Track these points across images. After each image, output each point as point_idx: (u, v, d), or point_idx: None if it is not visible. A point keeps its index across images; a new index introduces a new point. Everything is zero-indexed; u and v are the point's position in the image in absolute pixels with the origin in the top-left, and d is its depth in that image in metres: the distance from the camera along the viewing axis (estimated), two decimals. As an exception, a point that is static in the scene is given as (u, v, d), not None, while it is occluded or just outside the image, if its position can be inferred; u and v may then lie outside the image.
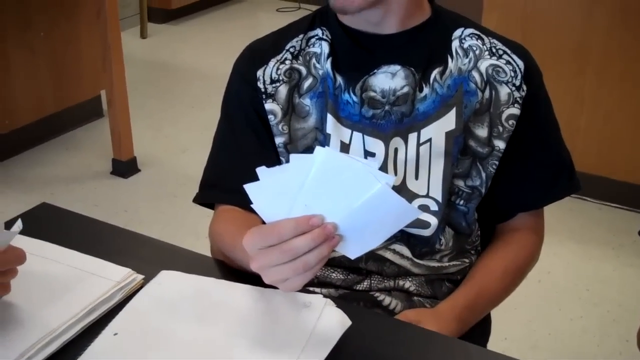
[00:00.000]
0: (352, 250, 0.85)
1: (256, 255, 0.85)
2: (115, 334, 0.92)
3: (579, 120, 2.93)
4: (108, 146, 3.23)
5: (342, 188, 0.80)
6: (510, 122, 1.13)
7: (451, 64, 1.13)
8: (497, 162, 1.14)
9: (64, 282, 1.01)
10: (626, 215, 2.84)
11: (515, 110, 1.13)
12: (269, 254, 0.83)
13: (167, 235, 2.70)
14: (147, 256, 1.12)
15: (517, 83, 1.13)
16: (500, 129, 1.13)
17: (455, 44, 1.15)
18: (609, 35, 2.76)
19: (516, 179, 1.18)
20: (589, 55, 2.83)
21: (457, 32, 1.16)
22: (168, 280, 1.03)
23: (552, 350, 2.22)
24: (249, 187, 0.84)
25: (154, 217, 2.91)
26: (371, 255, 1.14)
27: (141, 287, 1.02)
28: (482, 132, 1.13)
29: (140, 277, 1.04)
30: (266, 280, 0.86)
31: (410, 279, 1.16)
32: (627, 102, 2.82)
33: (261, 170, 0.83)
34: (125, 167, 3.19)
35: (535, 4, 2.84)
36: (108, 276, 1.02)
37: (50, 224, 1.22)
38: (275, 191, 0.83)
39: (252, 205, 0.85)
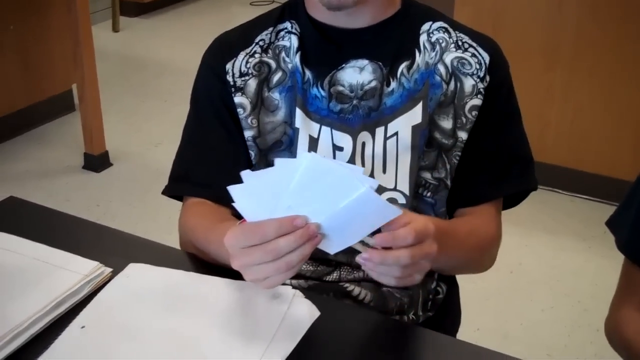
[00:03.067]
0: (333, 246, 0.86)
1: (238, 254, 0.85)
2: (83, 327, 0.92)
3: (550, 114, 2.96)
4: (80, 140, 3.21)
5: (326, 191, 0.80)
6: (473, 112, 1.13)
7: (419, 58, 1.14)
8: (460, 154, 1.15)
9: (31, 275, 1.01)
10: (597, 207, 2.88)
11: (477, 101, 1.13)
12: (251, 253, 0.83)
13: (140, 229, 2.69)
14: (115, 249, 1.12)
15: (481, 75, 1.13)
16: (464, 119, 1.13)
17: (423, 37, 1.15)
18: (579, 30, 2.79)
19: (471, 169, 1.17)
20: (559, 50, 2.85)
21: (426, 26, 1.16)
22: (136, 272, 1.03)
23: (523, 340, 2.25)
24: (232, 189, 0.83)
25: (126, 211, 2.89)
26: (340, 247, 1.14)
27: (109, 280, 1.02)
28: (446, 123, 1.14)
29: (109, 270, 1.03)
30: (247, 278, 0.87)
31: (379, 269, 1.16)
32: (597, 96, 2.85)
33: (245, 174, 0.83)
34: (97, 162, 3.17)
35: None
36: (76, 269, 1.02)
37: (18, 217, 1.21)
38: (258, 193, 0.83)
39: (234, 205, 0.84)
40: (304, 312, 0.94)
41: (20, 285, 0.99)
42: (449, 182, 1.16)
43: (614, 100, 2.83)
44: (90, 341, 0.90)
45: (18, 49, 3.33)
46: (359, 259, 0.84)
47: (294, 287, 0.98)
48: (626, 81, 2.78)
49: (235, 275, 0.98)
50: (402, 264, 0.84)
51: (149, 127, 3.59)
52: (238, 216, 1.11)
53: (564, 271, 2.58)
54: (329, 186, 0.80)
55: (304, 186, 0.80)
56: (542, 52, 2.88)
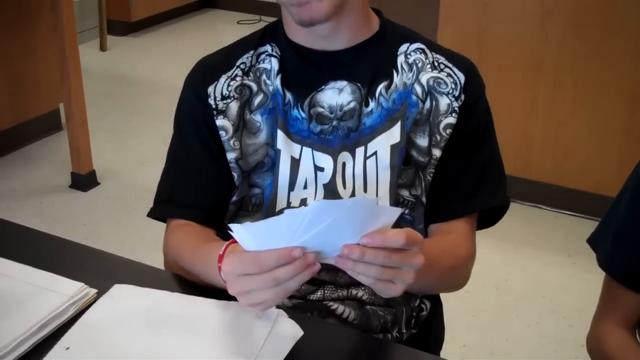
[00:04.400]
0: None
1: (235, 281, 0.87)
2: (67, 349, 0.92)
3: (534, 130, 2.98)
4: (67, 160, 3.20)
5: (329, 229, 0.81)
6: (447, 130, 1.15)
7: (396, 79, 1.16)
8: (433, 170, 1.16)
9: (16, 297, 1.01)
10: (582, 223, 2.90)
11: (452, 120, 1.15)
12: (249, 281, 0.85)
13: (127, 249, 2.69)
14: (100, 270, 1.12)
15: (457, 94, 1.15)
16: (438, 137, 1.15)
17: (400, 59, 1.17)
18: (562, 46, 2.82)
19: (443, 186, 1.18)
20: (542, 66, 2.88)
21: (403, 47, 1.18)
22: (121, 294, 1.03)
23: (509, 356, 2.26)
24: (234, 227, 0.84)
25: (113, 230, 2.89)
26: (324, 266, 1.15)
27: (94, 302, 1.02)
28: (422, 141, 1.15)
29: (94, 291, 1.04)
30: (242, 303, 0.88)
31: (363, 288, 1.17)
32: (581, 112, 2.88)
33: (244, 227, 0.83)
34: (84, 181, 3.17)
35: (489, 17, 2.89)
36: (61, 291, 1.02)
37: (2, 238, 1.21)
38: (261, 237, 0.84)
39: (233, 235, 0.85)
40: (288, 332, 0.95)
41: (4, 307, 0.99)
42: (424, 199, 1.17)
43: (598, 116, 2.85)
44: (74, 362, 0.90)
45: (4, 68, 3.33)
46: (339, 259, 0.84)
47: (278, 307, 0.99)
48: (610, 97, 2.80)
49: (220, 296, 1.00)
50: (380, 263, 0.83)
51: (136, 146, 3.59)
52: (224, 237, 1.12)
53: (549, 287, 2.60)
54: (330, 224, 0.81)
55: (310, 231, 0.82)
56: (526, 69, 2.91)
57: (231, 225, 0.84)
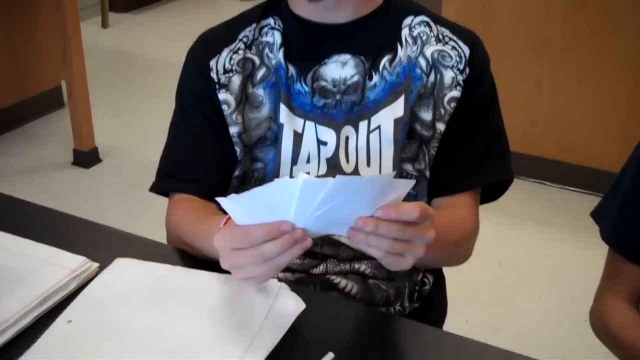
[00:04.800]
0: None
1: (227, 255, 0.87)
2: (69, 322, 0.92)
3: (538, 107, 2.97)
4: (69, 137, 3.20)
5: (310, 203, 0.80)
6: (452, 104, 1.14)
7: (401, 52, 1.14)
8: (437, 145, 1.15)
9: (17, 271, 1.01)
10: (585, 199, 2.89)
11: (456, 93, 1.14)
12: (240, 255, 0.85)
13: (130, 225, 2.66)
14: (102, 244, 1.12)
15: (461, 67, 1.14)
16: (442, 111, 1.14)
17: (405, 32, 1.16)
18: (566, 22, 2.80)
19: (446, 160, 1.17)
20: (547, 43, 2.86)
21: (407, 20, 1.16)
22: (123, 267, 1.03)
23: (512, 331, 2.26)
24: (222, 201, 0.83)
25: (116, 207, 2.89)
26: (326, 240, 1.15)
27: (96, 275, 1.02)
28: (426, 115, 1.14)
29: (95, 265, 1.04)
30: (237, 277, 0.88)
31: (365, 262, 1.17)
32: (585, 89, 2.86)
33: (230, 200, 0.82)
34: (86, 158, 3.17)
35: (493, -8, 2.87)
36: (62, 264, 1.02)
37: (4, 213, 1.21)
38: (251, 208, 0.83)
39: (222, 204, 0.84)
40: (290, 305, 0.94)
41: (6, 281, 0.99)
42: (427, 174, 1.16)
43: (602, 92, 2.84)
44: (76, 336, 0.90)
45: (6, 45, 3.32)
46: (351, 231, 0.83)
47: (281, 280, 0.99)
48: (614, 73, 2.79)
49: (222, 269, 0.99)
50: (393, 236, 0.82)
51: (138, 123, 3.59)
52: (226, 212, 1.12)
53: (553, 263, 2.60)
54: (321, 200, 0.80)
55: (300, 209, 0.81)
56: (530, 45, 2.89)
57: (219, 199, 0.83)
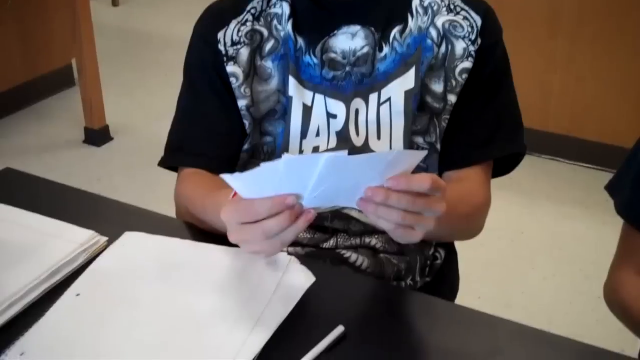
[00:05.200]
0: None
1: (234, 229, 0.86)
2: (78, 295, 0.92)
3: (552, 82, 2.94)
4: (80, 115, 3.20)
5: (313, 178, 0.79)
6: (463, 75, 1.12)
7: (411, 23, 1.12)
8: (448, 117, 1.14)
9: (26, 245, 1.01)
10: (599, 175, 2.87)
11: (468, 64, 1.12)
12: (245, 230, 0.84)
13: (142, 202, 2.65)
14: (111, 218, 1.12)
15: (473, 37, 1.11)
16: (454, 82, 1.12)
17: (415, 2, 1.13)
18: (581, -4, 2.77)
19: (458, 132, 1.15)
20: (561, 18, 2.83)
21: None
22: (132, 241, 1.03)
23: (525, 308, 2.25)
24: (226, 177, 0.82)
25: (127, 185, 2.89)
26: (337, 214, 1.14)
27: (105, 249, 1.02)
28: (437, 87, 1.12)
29: (104, 239, 1.03)
30: (244, 250, 0.87)
31: (376, 236, 1.16)
32: (599, 64, 2.83)
33: (234, 177, 0.81)
34: (97, 136, 3.17)
35: (508, -35, 2.83)
36: (71, 238, 1.02)
37: (14, 188, 1.21)
38: (255, 183, 0.82)
39: (227, 181, 0.83)
40: (299, 278, 0.94)
41: (15, 255, 0.99)
42: (438, 146, 1.15)
43: (616, 67, 2.81)
44: (85, 308, 0.90)
45: (17, 24, 3.32)
46: (361, 202, 0.81)
47: (290, 254, 0.98)
48: (628, 48, 2.76)
49: (230, 243, 0.98)
50: (403, 207, 0.81)
51: (149, 101, 3.58)
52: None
53: (566, 239, 2.58)
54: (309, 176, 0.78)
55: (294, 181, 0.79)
56: (545, 20, 2.85)
57: (223, 176, 0.82)
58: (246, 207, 0.83)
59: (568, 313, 2.24)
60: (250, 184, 0.82)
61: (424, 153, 0.83)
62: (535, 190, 2.82)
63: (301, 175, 0.79)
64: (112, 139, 3.22)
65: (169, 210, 1.23)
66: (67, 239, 1.02)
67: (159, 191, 2.74)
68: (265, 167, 0.79)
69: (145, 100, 3.59)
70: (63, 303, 0.91)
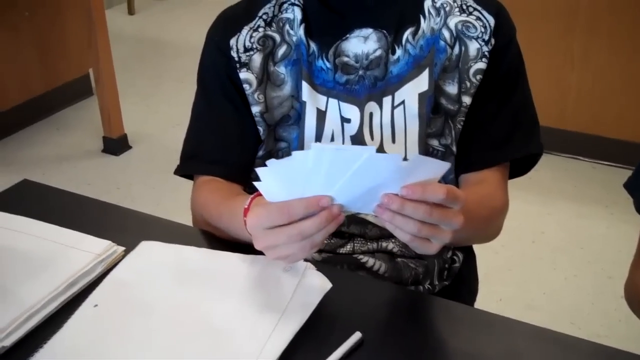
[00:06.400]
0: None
1: (262, 235, 0.85)
2: (96, 306, 0.92)
3: (570, 79, 2.91)
4: (98, 124, 3.22)
5: (343, 174, 0.79)
6: (477, 76, 1.11)
7: (424, 24, 1.12)
8: (464, 119, 1.13)
9: (44, 256, 1.01)
10: (619, 173, 2.84)
11: (482, 65, 1.11)
12: (277, 234, 0.83)
13: (161, 210, 2.68)
14: (127, 228, 1.12)
15: (486, 38, 1.11)
16: (468, 84, 1.11)
17: (427, 3, 1.13)
18: (597, -8, 2.74)
19: (474, 134, 1.14)
20: (577, 14, 2.80)
21: None
22: (148, 250, 1.03)
23: (547, 309, 2.23)
24: (260, 170, 0.82)
25: (146, 193, 2.91)
26: (353, 219, 1.13)
27: (122, 259, 1.02)
28: (452, 88, 1.12)
29: (121, 248, 1.03)
30: (270, 257, 0.87)
31: (393, 241, 1.15)
32: (617, 59, 2.80)
33: (271, 162, 0.81)
34: (116, 145, 3.19)
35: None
36: (88, 249, 1.02)
37: (31, 200, 1.22)
38: (286, 178, 0.82)
39: (256, 184, 0.83)
40: (316, 284, 0.93)
41: (33, 267, 0.99)
42: (454, 148, 1.14)
43: (634, 63, 2.78)
44: (103, 319, 0.90)
45: (34, 35, 3.35)
46: (378, 209, 0.81)
47: (307, 260, 0.98)
48: (646, 43, 2.73)
49: (247, 250, 0.98)
50: (420, 218, 0.80)
51: (166, 109, 3.59)
52: (251, 193, 1.11)
53: (587, 238, 2.56)
54: (344, 169, 0.78)
55: (325, 176, 0.79)
56: (561, 16, 2.83)
57: (257, 169, 0.81)
58: (280, 209, 0.82)
59: (590, 313, 2.22)
60: (281, 177, 0.81)
61: (448, 165, 0.82)
62: (555, 189, 2.80)
63: (335, 167, 0.78)
64: (130, 147, 3.23)
65: (189, 218, 1.23)
66: (85, 250, 1.02)
67: (179, 199, 2.74)
68: (296, 154, 0.78)
69: (162, 108, 3.61)
70: (81, 314, 0.91)
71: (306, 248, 0.84)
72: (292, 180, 0.81)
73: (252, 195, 0.95)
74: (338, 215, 0.81)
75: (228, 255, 1.01)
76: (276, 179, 0.82)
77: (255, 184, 0.83)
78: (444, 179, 1.14)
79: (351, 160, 0.77)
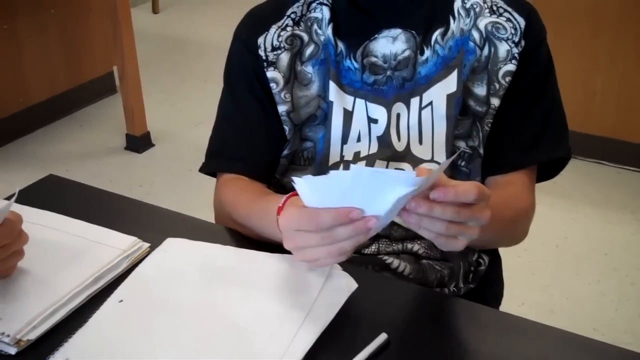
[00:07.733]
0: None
1: (292, 236, 0.85)
2: (121, 301, 0.92)
3: (595, 83, 2.89)
4: (121, 122, 3.24)
5: (378, 194, 0.79)
6: (507, 78, 1.10)
7: (453, 25, 1.11)
8: (492, 121, 1.12)
9: (70, 251, 1.02)
10: (644, 179, 2.82)
11: (511, 67, 1.10)
12: (307, 237, 0.83)
13: (183, 208, 2.68)
14: (153, 224, 1.12)
15: (516, 39, 1.10)
16: (497, 85, 1.10)
17: (457, 3, 1.12)
18: (625, -5, 2.71)
19: (502, 136, 1.13)
20: (604, 17, 2.78)
21: None
22: (174, 247, 1.03)
23: (570, 314, 2.21)
24: (298, 180, 0.82)
25: (169, 191, 2.92)
26: (378, 219, 1.13)
27: (147, 255, 1.02)
28: (480, 90, 1.11)
29: (146, 245, 1.03)
30: (297, 259, 0.87)
31: (418, 242, 1.14)
32: (644, 63, 2.77)
33: (305, 180, 0.81)
34: (139, 142, 3.20)
35: (549, -36, 2.79)
36: (114, 245, 1.02)
37: (57, 195, 1.22)
38: (322, 190, 0.82)
39: (296, 187, 0.83)
40: (342, 284, 0.93)
41: (59, 261, 0.99)
42: (481, 150, 1.13)
43: (662, 68, 2.75)
44: (127, 315, 0.90)
45: (59, 32, 3.37)
46: (403, 213, 0.81)
47: (331, 260, 0.97)
48: (674, 48, 2.70)
49: (273, 249, 0.98)
50: (448, 218, 0.80)
51: (189, 107, 3.61)
52: (274, 192, 1.11)
53: (611, 244, 2.53)
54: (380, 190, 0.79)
55: (358, 194, 0.79)
56: (588, 18, 2.81)
57: (294, 179, 0.81)
58: (310, 215, 0.82)
59: (614, 320, 2.19)
60: (318, 190, 0.82)
61: (448, 161, 0.82)
62: (579, 194, 2.77)
63: (371, 189, 0.78)
64: (153, 145, 3.25)
65: (211, 216, 1.23)
66: (110, 245, 1.02)
67: (201, 197, 2.76)
68: (334, 174, 0.79)
69: (186, 106, 3.62)
70: (106, 309, 0.91)
71: (334, 253, 0.83)
72: (327, 196, 0.81)
73: (286, 195, 0.95)
74: (371, 228, 0.81)
75: (254, 253, 1.01)
76: (312, 191, 0.82)
77: (295, 184, 0.82)
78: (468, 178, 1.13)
79: (390, 183, 0.77)
